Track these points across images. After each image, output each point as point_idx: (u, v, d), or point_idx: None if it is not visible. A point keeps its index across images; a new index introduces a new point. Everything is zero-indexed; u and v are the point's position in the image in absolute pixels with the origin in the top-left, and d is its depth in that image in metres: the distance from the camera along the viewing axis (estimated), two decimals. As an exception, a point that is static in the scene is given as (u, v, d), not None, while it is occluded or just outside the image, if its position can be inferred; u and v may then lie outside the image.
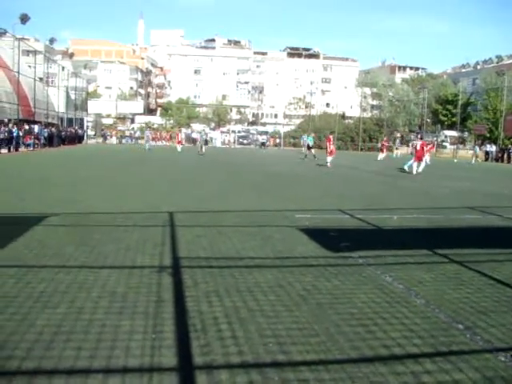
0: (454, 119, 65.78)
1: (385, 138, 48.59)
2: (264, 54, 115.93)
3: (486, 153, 49.89)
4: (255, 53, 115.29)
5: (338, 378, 3.40)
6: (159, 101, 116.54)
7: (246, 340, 3.93)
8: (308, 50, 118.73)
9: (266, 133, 72.35)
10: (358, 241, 7.92)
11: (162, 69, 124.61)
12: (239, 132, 71.19)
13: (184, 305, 4.66)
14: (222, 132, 70.15)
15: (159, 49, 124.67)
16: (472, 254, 7.26)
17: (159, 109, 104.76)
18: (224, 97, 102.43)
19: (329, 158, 28.18)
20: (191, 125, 76.69)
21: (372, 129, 67.89)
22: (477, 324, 4.49)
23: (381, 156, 39.75)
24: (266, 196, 13.47)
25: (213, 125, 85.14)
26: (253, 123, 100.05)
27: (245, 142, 67.67)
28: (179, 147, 43.48)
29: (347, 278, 5.77)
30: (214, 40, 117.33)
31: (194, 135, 64.01)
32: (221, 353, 3.69)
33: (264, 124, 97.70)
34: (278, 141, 67.33)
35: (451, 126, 67.50)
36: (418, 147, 25.19)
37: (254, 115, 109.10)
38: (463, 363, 3.70)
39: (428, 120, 72.72)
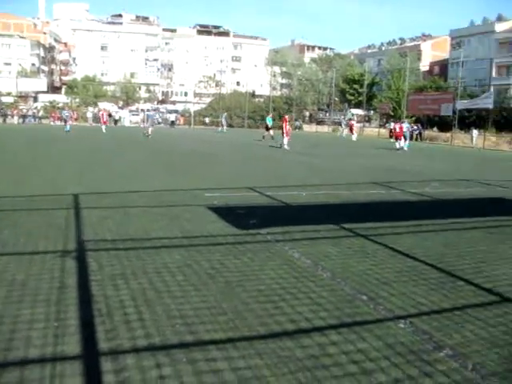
0: (360, 98, 67.77)
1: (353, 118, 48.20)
2: (173, 30, 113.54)
3: (390, 130, 51.80)
4: (164, 29, 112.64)
5: (246, 355, 3.40)
6: (64, 78, 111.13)
7: (152, 322, 3.85)
8: (218, 27, 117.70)
9: (176, 111, 71.33)
10: (266, 218, 8.01)
11: (65, 44, 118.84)
12: (148, 111, 69.62)
13: (89, 290, 4.50)
14: (130, 111, 68.32)
15: (62, 23, 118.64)
16: (376, 228, 7.55)
17: (64, 87, 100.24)
18: (132, 74, 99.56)
19: (285, 140, 26.77)
20: (98, 103, 74.05)
21: (282, 107, 68.64)
22: (379, 294, 4.67)
23: (354, 136, 40.55)
24: (177, 175, 13.30)
25: (121, 103, 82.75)
26: (162, 102, 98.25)
27: (155, 120, 66.36)
28: (104, 128, 40.57)
29: (256, 254, 5.81)
30: (120, 15, 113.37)
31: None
32: (127, 337, 3.60)
33: (174, 102, 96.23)
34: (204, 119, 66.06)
35: (358, 105, 69.58)
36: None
37: (163, 93, 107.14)
38: (367, 332, 3.84)
39: (336, 99, 74.50)
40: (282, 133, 27.54)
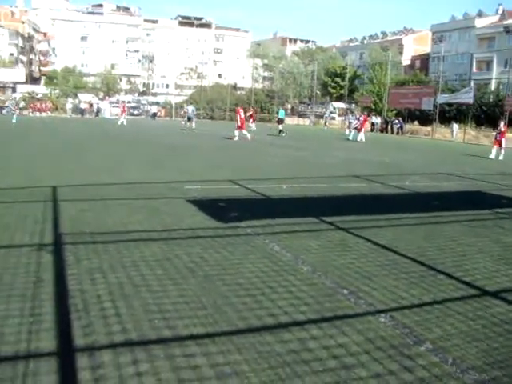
0: (342, 91, 67.94)
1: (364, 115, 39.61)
2: (155, 22, 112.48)
3: (372, 124, 52.15)
4: (145, 20, 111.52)
5: (225, 351, 3.36)
6: (43, 69, 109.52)
7: (130, 317, 3.78)
8: (200, 19, 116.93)
9: (157, 103, 70.75)
10: (247, 211, 7.95)
11: (45, 34, 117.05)
12: (129, 102, 68.91)
13: (65, 284, 4.41)
14: (111, 102, 67.54)
15: (42, 12, 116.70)
16: (357, 221, 7.54)
17: (43, 77, 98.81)
18: (113, 66, 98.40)
19: (236, 132, 26.35)
20: (78, 95, 73.15)
21: (263, 100, 68.54)
22: (360, 288, 4.64)
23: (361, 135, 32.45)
24: (156, 168, 13.16)
25: (102, 95, 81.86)
26: (143, 93, 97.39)
27: (135, 112, 65.69)
28: (121, 119, 38.91)
29: (236, 248, 5.76)
30: (101, 5, 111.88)
31: (82, 106, 61.31)
32: (103, 332, 3.53)
33: (155, 94, 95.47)
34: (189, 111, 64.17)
35: (339, 98, 69.74)
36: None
37: (144, 85, 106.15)
38: (347, 327, 3.81)
39: (318, 92, 74.61)
40: (237, 126, 26.79)
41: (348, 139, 31.80)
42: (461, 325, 3.96)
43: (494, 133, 26.89)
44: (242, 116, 27.08)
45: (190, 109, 36.15)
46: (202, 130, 33.93)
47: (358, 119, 34.54)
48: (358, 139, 31.19)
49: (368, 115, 44.03)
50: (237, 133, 26.36)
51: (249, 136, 25.97)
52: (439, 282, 4.97)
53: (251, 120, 33.32)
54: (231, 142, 25.65)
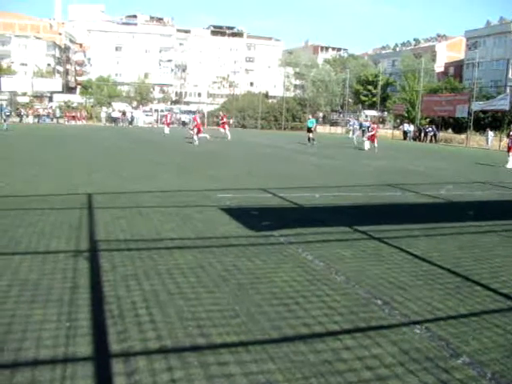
0: (374, 99, 67.58)
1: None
2: (187, 31, 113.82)
3: (404, 132, 51.63)
4: (178, 30, 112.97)
5: (258, 359, 3.36)
6: (79, 78, 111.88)
7: (164, 324, 3.82)
8: (232, 28, 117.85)
9: (189, 112, 71.39)
10: (279, 219, 7.95)
11: (81, 45, 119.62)
12: (162, 111, 69.71)
13: (101, 290, 4.48)
14: (144, 111, 68.47)
15: (78, 24, 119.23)
16: (391, 231, 7.45)
17: (79, 87, 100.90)
18: (146, 75, 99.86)
19: (195, 137, 27.83)
20: (112, 103, 74.29)
21: (295, 108, 68.45)
22: (395, 299, 4.59)
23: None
24: (189, 176, 13.28)
25: (135, 103, 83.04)
26: (176, 102, 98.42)
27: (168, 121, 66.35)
28: (167, 129, 39.61)
29: (268, 257, 5.77)
30: (135, 16, 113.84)
31: (114, 114, 62.17)
32: (138, 339, 3.57)
33: (188, 103, 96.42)
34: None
35: (372, 106, 69.33)
36: None
37: (177, 94, 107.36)
38: (381, 338, 3.77)
39: (349, 100, 74.28)
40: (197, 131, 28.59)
41: (361, 148, 29.45)
42: (499, 338, 3.88)
43: (508, 140, 24.29)
44: (199, 121, 30.16)
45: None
46: (223, 137, 33.81)
47: (368, 127, 32.61)
48: (366, 148, 28.84)
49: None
50: (196, 138, 27.90)
51: (208, 136, 29.05)
52: (475, 294, 4.88)
53: (226, 127, 34.88)
54: (260, 150, 25.69)
